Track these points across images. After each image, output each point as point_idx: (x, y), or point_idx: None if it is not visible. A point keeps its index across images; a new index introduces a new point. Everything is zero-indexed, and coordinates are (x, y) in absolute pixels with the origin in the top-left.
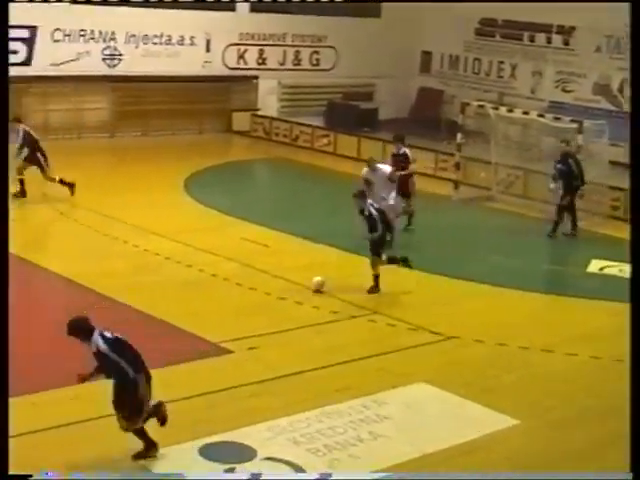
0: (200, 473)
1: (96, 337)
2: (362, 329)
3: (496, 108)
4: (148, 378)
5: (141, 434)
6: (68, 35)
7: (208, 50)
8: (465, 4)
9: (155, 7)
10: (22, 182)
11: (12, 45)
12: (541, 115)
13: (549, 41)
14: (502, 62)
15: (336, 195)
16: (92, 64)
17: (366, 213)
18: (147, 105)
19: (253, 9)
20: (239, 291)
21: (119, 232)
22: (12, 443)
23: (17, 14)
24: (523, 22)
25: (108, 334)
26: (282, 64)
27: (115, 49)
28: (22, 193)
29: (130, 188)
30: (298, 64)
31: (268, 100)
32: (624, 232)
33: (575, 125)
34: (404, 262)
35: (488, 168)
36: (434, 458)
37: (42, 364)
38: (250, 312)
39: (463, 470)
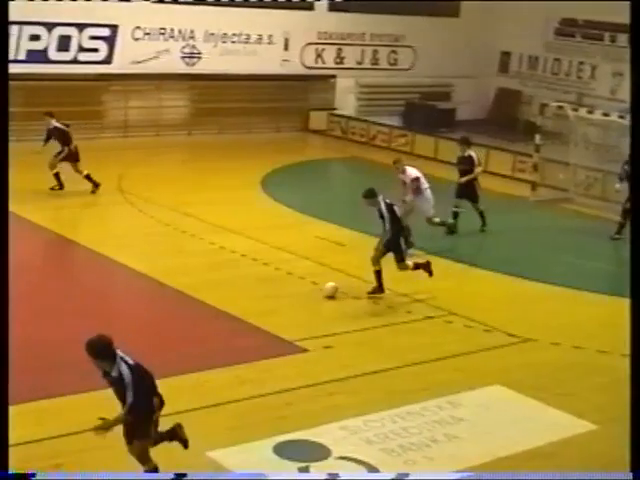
0: (274, 471)
1: (119, 362)
2: (438, 330)
3: (575, 109)
4: (161, 403)
5: (143, 458)
6: (148, 33)
7: (286, 49)
8: (545, 3)
9: (234, 6)
10: (57, 175)
11: (93, 43)
12: (621, 116)
13: None
14: (582, 63)
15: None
16: (171, 62)
17: (383, 210)
18: (225, 103)
19: (331, 8)
20: (314, 289)
21: (196, 229)
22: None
23: (98, 13)
24: (604, 22)
25: (129, 359)
26: (360, 63)
27: (194, 47)
28: (60, 186)
29: (207, 186)
30: (376, 63)
31: (345, 99)
32: None
33: None
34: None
35: (566, 169)
36: (508, 461)
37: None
38: (325, 311)
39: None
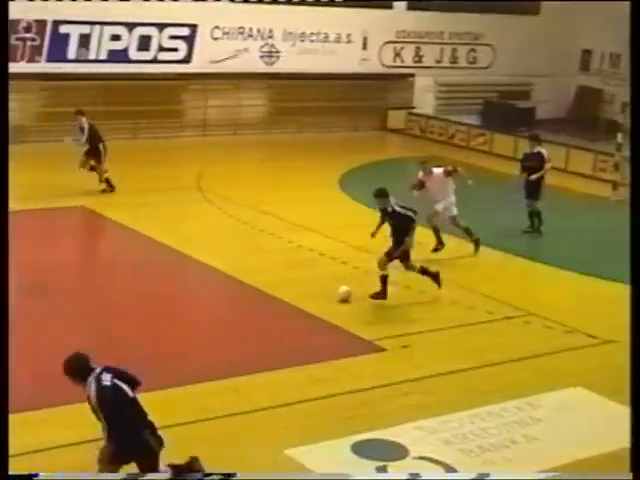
0: (352, 470)
1: (91, 382)
2: (517, 330)
3: None
4: (153, 430)
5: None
6: (227, 33)
7: (365, 48)
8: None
9: (313, 5)
10: (107, 178)
11: (173, 43)
12: None
13: None
14: None
15: (491, 195)
16: (250, 61)
17: (389, 209)
18: (303, 102)
19: (410, 7)
20: (393, 289)
21: (274, 228)
22: None
23: (178, 13)
24: None
25: (106, 379)
26: (439, 62)
27: (272, 46)
28: (110, 187)
29: (285, 184)
30: (455, 62)
31: (424, 98)
32: None
33: None
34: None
35: None
36: (588, 463)
37: (203, 355)
38: (404, 310)
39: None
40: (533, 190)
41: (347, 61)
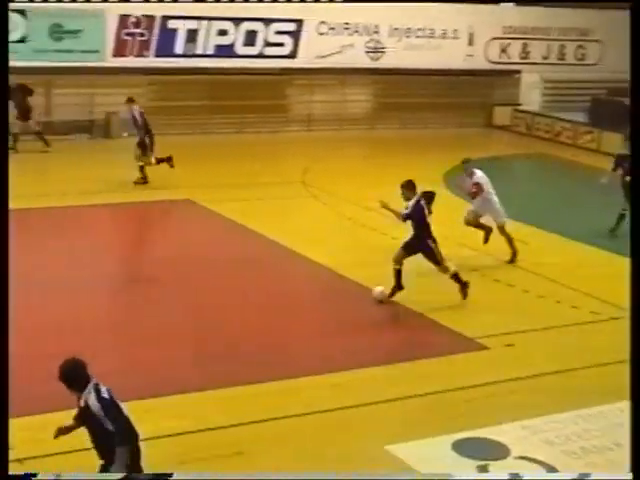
0: (452, 468)
1: (89, 391)
2: (623, 331)
3: None
4: (137, 451)
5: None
6: (333, 28)
7: (470, 44)
8: None
9: (419, 1)
10: (142, 168)
11: (279, 38)
12: None
13: None
14: None
15: (599, 194)
16: (355, 57)
17: (412, 203)
18: (407, 98)
19: (517, 2)
20: (497, 287)
21: (378, 224)
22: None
23: (284, 8)
24: None
25: (104, 391)
26: (546, 58)
27: (378, 42)
28: (144, 179)
29: (388, 181)
30: (562, 58)
31: (530, 95)
32: None
33: None
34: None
35: None
36: None
37: (304, 349)
38: (507, 309)
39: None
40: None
41: (452, 57)
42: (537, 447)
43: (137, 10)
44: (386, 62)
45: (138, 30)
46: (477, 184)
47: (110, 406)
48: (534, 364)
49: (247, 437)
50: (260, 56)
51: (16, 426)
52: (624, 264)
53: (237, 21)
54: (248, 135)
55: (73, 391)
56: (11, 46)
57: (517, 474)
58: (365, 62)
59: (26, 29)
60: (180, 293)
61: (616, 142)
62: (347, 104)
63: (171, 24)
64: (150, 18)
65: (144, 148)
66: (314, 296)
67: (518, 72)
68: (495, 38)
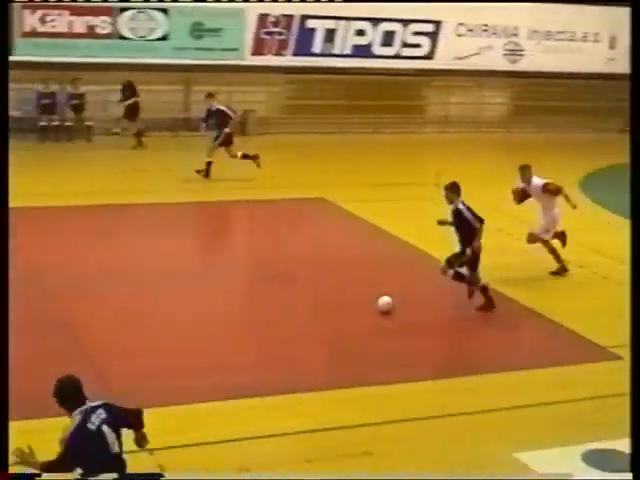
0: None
1: (76, 414)
2: None
3: None
4: None
5: None
6: (471, 30)
7: (612, 47)
8: None
9: (561, 2)
10: (209, 164)
11: (417, 39)
12: None
13: None
14: None
15: None
16: (493, 59)
17: (453, 208)
18: (545, 102)
19: None
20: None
21: (512, 228)
22: None
23: (423, 10)
24: None
25: (94, 421)
26: None
27: (517, 44)
28: (206, 174)
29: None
30: None
31: None
32: None
33: None
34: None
35: None
36: None
37: (436, 352)
38: None
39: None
40: None
41: (593, 60)
42: None
43: (276, 9)
44: (525, 65)
45: (277, 29)
46: (548, 187)
47: (94, 435)
48: None
49: (377, 437)
50: (397, 57)
51: None
52: None
53: (375, 21)
54: (384, 135)
55: (65, 409)
56: (152, 44)
57: None
58: (503, 64)
59: (168, 27)
60: (313, 292)
61: None
62: (484, 106)
63: (309, 24)
64: (289, 17)
65: (226, 143)
66: (442, 299)
67: None
68: None
